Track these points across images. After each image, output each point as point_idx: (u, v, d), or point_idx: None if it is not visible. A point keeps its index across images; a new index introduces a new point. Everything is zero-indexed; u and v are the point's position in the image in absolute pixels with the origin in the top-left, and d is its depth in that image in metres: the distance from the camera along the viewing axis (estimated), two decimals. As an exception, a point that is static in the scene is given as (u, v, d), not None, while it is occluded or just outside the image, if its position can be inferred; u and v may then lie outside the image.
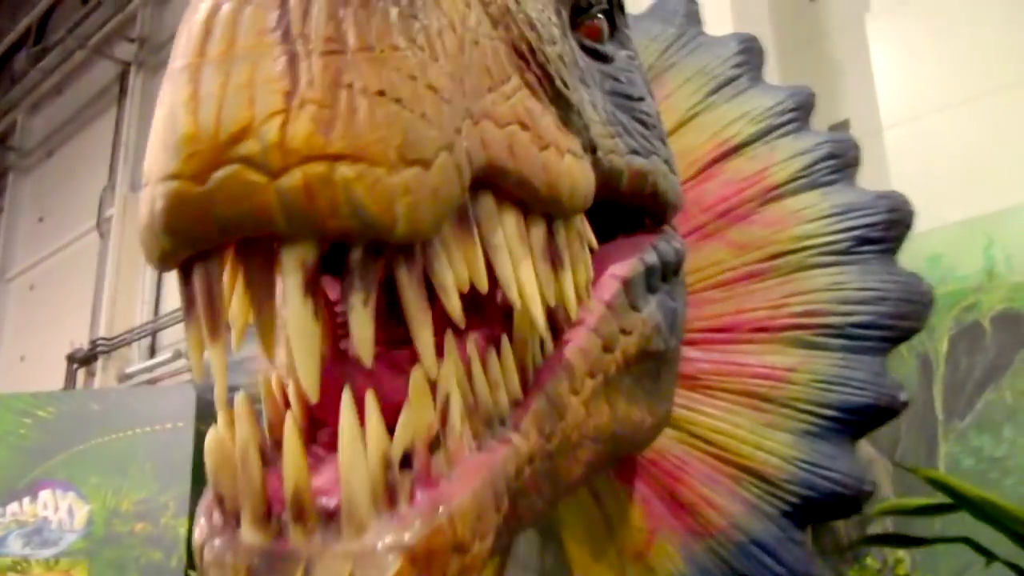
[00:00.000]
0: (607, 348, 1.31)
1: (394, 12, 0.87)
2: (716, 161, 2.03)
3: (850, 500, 1.73)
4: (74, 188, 14.71)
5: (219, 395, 0.97)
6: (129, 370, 12.21)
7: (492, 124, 0.98)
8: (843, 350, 1.81)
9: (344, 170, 0.78)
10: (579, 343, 1.26)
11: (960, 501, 2.60)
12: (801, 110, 2.04)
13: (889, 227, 1.88)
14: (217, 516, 0.97)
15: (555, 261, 1.17)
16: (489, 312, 1.21)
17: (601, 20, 1.51)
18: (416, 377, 0.96)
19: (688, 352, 1.85)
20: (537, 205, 1.10)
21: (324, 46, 0.81)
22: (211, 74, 0.80)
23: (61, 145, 15.70)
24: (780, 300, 1.87)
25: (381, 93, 0.82)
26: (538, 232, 1.13)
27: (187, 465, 7.60)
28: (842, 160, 1.96)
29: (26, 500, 8.57)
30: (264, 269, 0.87)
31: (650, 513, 1.77)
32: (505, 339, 1.13)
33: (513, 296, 1.06)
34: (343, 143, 0.79)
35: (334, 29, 0.82)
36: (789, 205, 1.94)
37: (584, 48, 1.46)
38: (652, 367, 1.50)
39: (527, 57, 1.11)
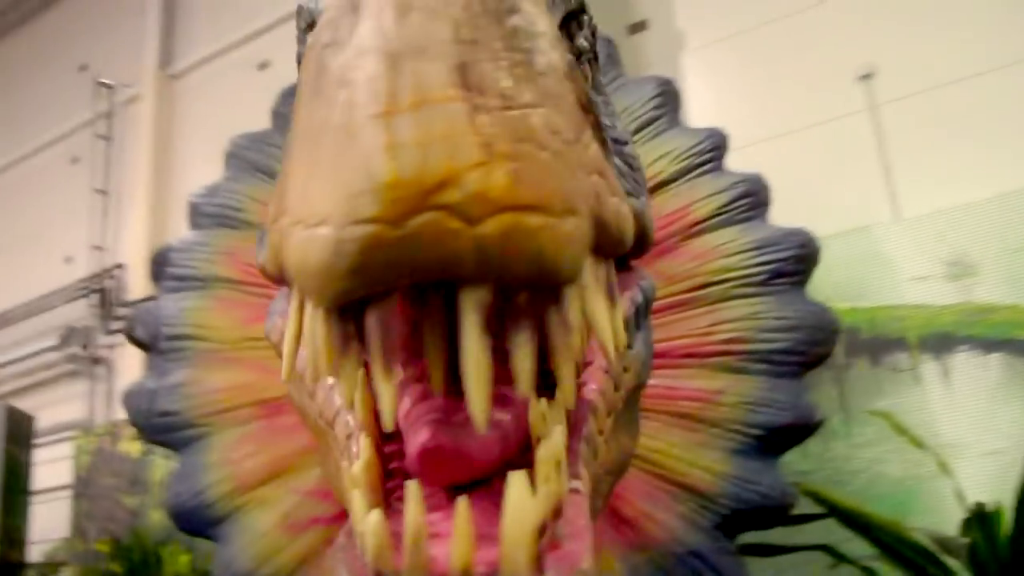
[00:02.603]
0: (617, 387, 1.40)
1: (532, 73, 0.94)
2: None
3: (775, 511, 1.90)
4: None
5: (386, 422, 0.98)
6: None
7: (583, 173, 1.03)
8: (765, 374, 1.97)
9: (532, 219, 0.84)
10: (599, 385, 1.34)
11: (832, 511, 2.84)
12: (718, 150, 2.21)
13: (800, 261, 2.06)
14: None
15: (611, 300, 1.23)
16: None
17: (586, 67, 1.56)
18: (547, 451, 1.04)
19: None
20: (604, 248, 1.14)
21: (501, 102, 0.88)
22: (407, 124, 0.83)
23: None
24: (706, 328, 2.02)
25: (546, 148, 0.89)
26: (602, 272, 1.18)
27: (-5, 487, 7.31)
28: (756, 199, 2.13)
29: None
30: (438, 312, 0.95)
31: (593, 528, 1.87)
32: (559, 391, 1.17)
33: (604, 333, 1.13)
34: (530, 195, 0.85)
35: (503, 85, 0.89)
36: (710, 240, 2.09)
37: None
38: (635, 397, 1.60)
39: (587, 109, 1.16)
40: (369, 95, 0.86)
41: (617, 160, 1.47)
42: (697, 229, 2.11)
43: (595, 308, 1.10)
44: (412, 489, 0.97)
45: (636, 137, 2.23)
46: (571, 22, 1.48)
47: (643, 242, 1.56)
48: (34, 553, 8.01)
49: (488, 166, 0.83)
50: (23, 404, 8.77)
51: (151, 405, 2.14)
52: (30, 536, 7.73)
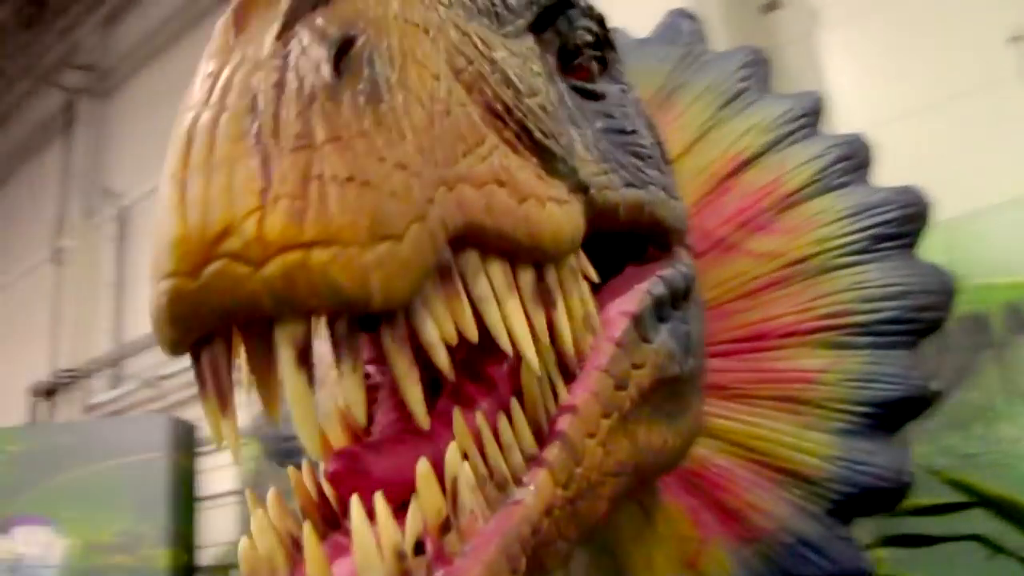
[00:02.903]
0: (620, 386, 1.37)
1: (361, 99, 0.95)
2: (731, 175, 2.08)
3: (891, 492, 1.80)
4: (24, 220, 14.59)
5: (232, 453, 1.04)
6: (94, 401, 12.07)
7: (469, 186, 1.06)
8: (871, 347, 1.87)
9: (318, 254, 0.87)
10: (591, 387, 1.32)
11: (982, 500, 2.69)
12: (810, 115, 2.10)
13: (905, 222, 1.94)
14: None
15: (547, 302, 1.25)
16: (498, 378, 1.30)
17: (590, 61, 1.58)
18: (422, 467, 1.05)
19: (720, 363, 1.91)
20: (522, 254, 1.18)
21: (294, 143, 0.90)
22: (195, 181, 0.90)
23: (9, 176, 15.55)
24: (806, 304, 1.92)
25: (350, 179, 0.91)
26: (526, 278, 1.21)
27: (163, 495, 7.56)
28: (854, 161, 2.01)
29: (2, 538, 8.47)
30: (261, 347, 0.96)
31: (699, 523, 1.83)
32: (514, 400, 1.21)
33: (503, 343, 1.14)
34: (315, 230, 0.87)
35: (302, 126, 0.91)
36: (805, 210, 2.00)
37: (576, 89, 1.54)
38: (671, 391, 1.56)
39: (503, 116, 1.19)
40: (173, 155, 0.93)
41: (617, 151, 1.51)
42: (790, 201, 2.01)
43: (498, 315, 1.13)
44: (258, 518, 1.09)
45: (721, 113, 2.16)
46: (556, 17, 1.51)
47: (656, 230, 1.60)
48: (205, 557, 8.27)
49: (263, 211, 0.88)
50: (188, 415, 9.08)
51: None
52: (201, 540, 7.99)
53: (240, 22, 1.02)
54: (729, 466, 1.84)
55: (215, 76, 0.97)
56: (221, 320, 0.91)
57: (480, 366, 1.30)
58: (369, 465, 1.18)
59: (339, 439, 1.33)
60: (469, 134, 1.10)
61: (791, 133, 2.08)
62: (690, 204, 2.06)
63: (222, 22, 1.04)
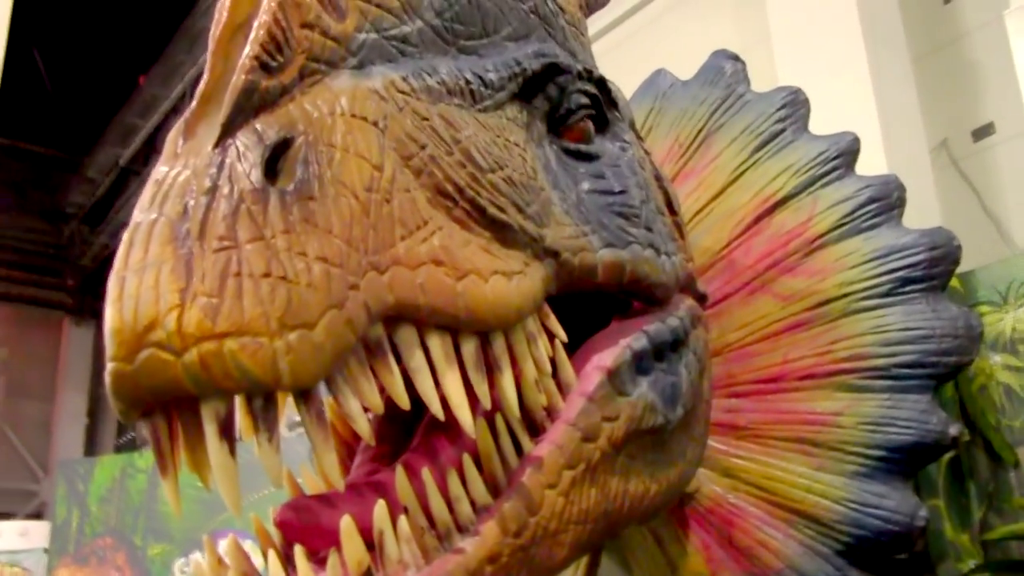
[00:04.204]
0: (588, 438, 1.43)
1: (289, 199, 1.08)
2: (761, 217, 2.10)
3: (901, 536, 1.79)
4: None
5: (174, 507, 1.19)
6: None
7: (403, 268, 1.16)
8: (888, 391, 1.87)
9: (230, 344, 1.00)
10: (555, 439, 1.39)
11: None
12: (844, 156, 2.09)
13: (932, 265, 1.93)
14: None
15: (491, 368, 1.32)
16: (465, 434, 1.36)
17: (585, 123, 1.62)
18: (344, 523, 1.17)
19: (738, 403, 1.96)
20: (463, 326, 1.26)
21: (217, 244, 1.03)
22: (131, 279, 1.04)
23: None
24: (826, 347, 1.94)
25: (266, 275, 1.03)
26: (469, 348, 1.28)
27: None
28: (885, 203, 2.01)
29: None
30: (192, 421, 1.09)
31: (710, 558, 1.87)
32: (466, 455, 1.30)
33: (434, 409, 1.22)
34: (227, 323, 1.00)
35: (227, 228, 1.04)
36: (832, 253, 2.00)
37: (567, 151, 1.58)
38: (653, 440, 1.59)
39: (454, 196, 1.27)
40: (118, 256, 1.08)
41: (602, 212, 1.56)
42: (818, 243, 2.03)
43: (429, 385, 1.21)
44: (194, 567, 1.26)
45: (757, 155, 2.18)
46: (544, 85, 1.54)
47: (638, 287, 1.63)
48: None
49: (182, 307, 1.01)
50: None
51: None
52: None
53: (189, 131, 1.17)
54: (742, 504, 1.88)
55: (160, 183, 1.11)
56: (156, 397, 1.05)
57: (453, 422, 1.38)
58: (319, 516, 1.30)
59: (314, 487, 1.46)
60: (410, 218, 1.20)
61: (825, 175, 2.08)
62: (720, 247, 2.10)
63: (173, 131, 1.19)
